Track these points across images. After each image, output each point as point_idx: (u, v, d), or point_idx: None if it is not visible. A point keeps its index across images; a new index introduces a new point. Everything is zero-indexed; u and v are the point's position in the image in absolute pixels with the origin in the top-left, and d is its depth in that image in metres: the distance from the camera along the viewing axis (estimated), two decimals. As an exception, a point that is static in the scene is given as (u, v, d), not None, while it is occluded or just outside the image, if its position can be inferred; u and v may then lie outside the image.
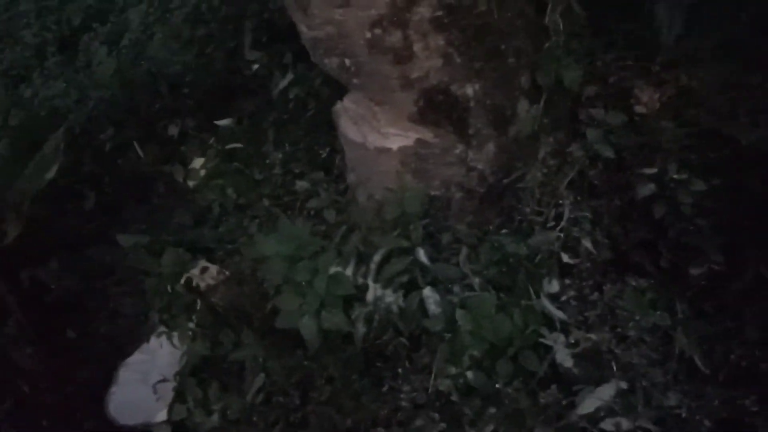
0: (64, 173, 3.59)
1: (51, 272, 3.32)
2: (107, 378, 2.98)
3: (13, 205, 2.13)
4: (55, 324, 3.16)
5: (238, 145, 3.28)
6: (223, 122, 3.39)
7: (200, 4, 3.96)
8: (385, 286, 2.37)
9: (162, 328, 2.80)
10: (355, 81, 2.57)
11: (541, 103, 2.54)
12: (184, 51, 3.83)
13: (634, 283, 2.23)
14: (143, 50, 4.09)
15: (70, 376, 2.97)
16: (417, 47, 2.39)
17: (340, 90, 2.88)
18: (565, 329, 2.21)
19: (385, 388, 2.42)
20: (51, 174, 2.16)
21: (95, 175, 3.67)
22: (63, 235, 3.49)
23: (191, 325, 2.67)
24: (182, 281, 2.87)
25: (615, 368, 2.14)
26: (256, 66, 3.48)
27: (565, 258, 2.38)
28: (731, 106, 2.42)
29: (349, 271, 2.35)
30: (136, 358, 3.01)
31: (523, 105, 2.56)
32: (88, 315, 3.25)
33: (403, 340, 2.38)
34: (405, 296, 2.37)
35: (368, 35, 2.36)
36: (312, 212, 2.83)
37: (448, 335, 2.24)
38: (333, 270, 2.28)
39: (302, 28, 2.53)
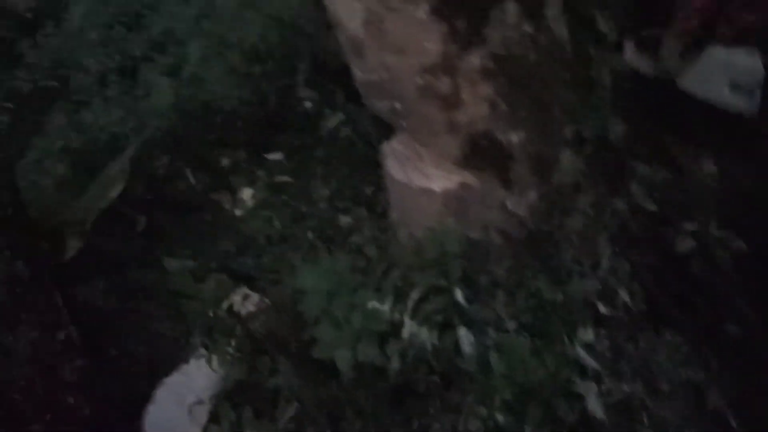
0: (117, 197, 3.78)
1: (98, 291, 3.47)
2: (145, 396, 3.08)
3: (77, 221, 2.27)
4: (98, 341, 3.28)
5: (286, 178, 3.41)
6: (273, 156, 3.54)
7: (258, 43, 4.15)
8: (421, 324, 2.44)
9: (201, 351, 2.90)
10: (403, 123, 2.68)
11: (585, 154, 2.61)
12: (239, 86, 4.00)
13: (669, 337, 2.25)
14: (201, 83, 4.29)
15: (110, 392, 3.07)
16: (465, 94, 2.50)
17: (387, 131, 3.00)
18: (597, 378, 2.24)
19: (414, 425, 2.47)
20: (115, 193, 2.31)
21: (147, 201, 3.83)
22: (111, 256, 3.64)
23: (230, 349, 2.76)
24: (224, 307, 2.98)
25: (646, 421, 2.15)
26: (308, 104, 3.63)
27: (602, 308, 2.41)
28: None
29: (386, 307, 2.43)
30: (174, 378, 3.11)
31: (566, 155, 2.64)
32: (130, 335, 3.36)
33: (436, 378, 2.44)
34: (440, 335, 2.43)
35: (419, 81, 2.48)
36: (354, 247, 2.93)
37: (480, 376, 2.29)
38: (371, 305, 2.36)
39: (356, 72, 2.66)
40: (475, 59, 2.44)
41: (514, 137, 2.60)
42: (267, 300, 3.05)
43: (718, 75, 2.21)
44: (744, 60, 2.19)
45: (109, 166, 2.35)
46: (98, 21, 6.38)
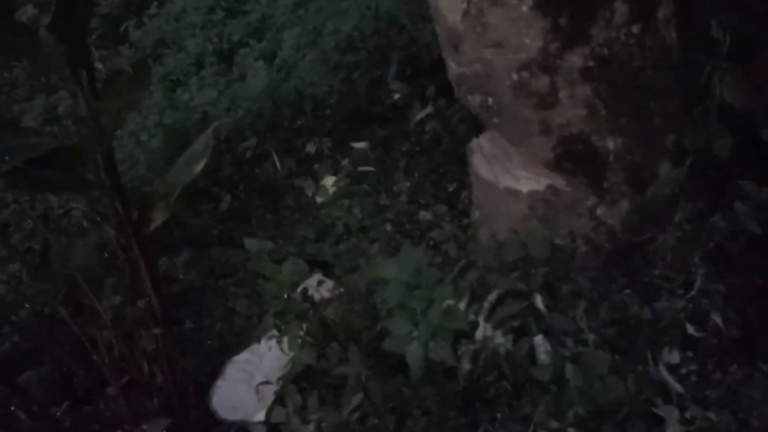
0: (203, 175, 3.86)
1: (180, 265, 3.56)
2: (215, 371, 3.14)
3: (163, 194, 2.33)
4: (176, 313, 3.36)
5: (370, 168, 3.40)
6: (358, 145, 3.54)
7: (353, 32, 4.16)
8: (496, 327, 2.36)
9: (273, 332, 2.92)
10: (495, 120, 2.61)
11: (685, 167, 2.47)
12: (331, 75, 4.03)
13: (765, 369, 2.10)
14: (294, 70, 4.34)
15: (183, 364, 3.14)
16: (562, 95, 2.41)
17: (476, 129, 2.94)
18: (680, 404, 2.12)
19: (480, 430, 2.40)
20: (199, 167, 2.34)
21: (232, 181, 3.91)
22: (195, 233, 3.73)
23: (301, 333, 2.76)
24: (299, 291, 2.99)
25: (730, 455, 2.02)
26: (397, 96, 3.61)
27: (691, 330, 2.28)
28: None
29: (461, 307, 2.36)
30: (244, 357, 3.15)
31: (665, 166, 2.51)
32: (206, 310, 3.43)
33: (507, 385, 2.36)
34: (515, 341, 2.35)
35: (515, 77, 2.41)
36: (432, 243, 2.88)
37: (554, 388, 2.20)
38: (447, 303, 2.31)
39: (451, 64, 2.61)
40: (576, 59, 2.34)
41: (611, 143, 2.49)
42: (341, 288, 3.05)
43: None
44: None
45: (196, 141, 2.39)
46: (200, 5, 6.58)
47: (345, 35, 4.16)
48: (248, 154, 3.90)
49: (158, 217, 2.37)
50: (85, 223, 3.52)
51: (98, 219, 2.66)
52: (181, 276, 3.48)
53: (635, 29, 2.34)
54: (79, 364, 2.81)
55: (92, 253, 3.19)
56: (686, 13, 2.48)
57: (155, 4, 6.74)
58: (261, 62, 4.70)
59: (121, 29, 6.51)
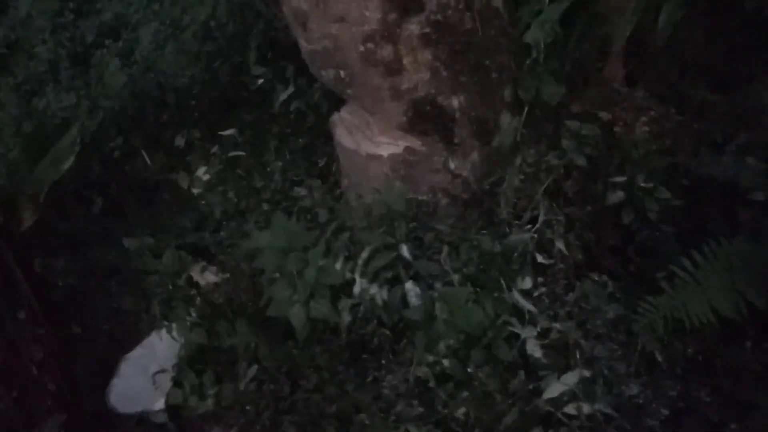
0: (73, 179, 3.95)
1: (57, 270, 3.65)
2: (109, 370, 3.28)
3: (30, 194, 2.44)
4: (61, 318, 3.46)
5: (241, 153, 3.62)
6: (227, 132, 3.74)
7: (209, 20, 4.33)
8: (371, 281, 2.67)
9: (163, 323, 3.10)
10: (349, 92, 2.90)
11: (523, 115, 2.86)
12: (192, 65, 4.19)
13: (597, 278, 2.51)
14: (153, 64, 4.46)
15: (75, 368, 3.26)
16: (406, 61, 2.72)
17: (337, 104, 3.22)
18: (534, 322, 2.50)
19: (369, 378, 2.70)
20: (67, 165, 2.48)
21: (103, 181, 4.01)
22: (70, 236, 3.82)
23: (189, 317, 2.96)
24: (183, 278, 3.18)
25: (579, 358, 2.42)
26: (260, 80, 3.83)
27: (540, 258, 2.67)
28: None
29: (338, 266, 2.65)
30: (137, 352, 3.31)
31: (505, 117, 2.88)
32: (91, 312, 3.55)
33: (386, 331, 2.67)
34: (389, 290, 2.66)
35: (361, 49, 2.70)
36: (307, 214, 3.14)
37: (426, 325, 2.53)
38: (322, 262, 2.58)
39: (302, 42, 2.87)
40: (414, 27, 2.66)
41: (456, 101, 2.83)
42: (225, 271, 3.26)
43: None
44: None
45: (62, 139, 2.53)
46: (46, 8, 6.47)
47: (201, 24, 4.32)
48: (116, 153, 4.01)
49: (28, 218, 2.50)
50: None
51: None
52: (60, 282, 3.57)
53: (463, -5, 2.68)
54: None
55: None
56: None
57: (-4, 11, 6.56)
58: (118, 61, 4.76)
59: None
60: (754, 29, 3.06)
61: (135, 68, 4.49)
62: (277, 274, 2.62)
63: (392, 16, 2.62)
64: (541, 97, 2.84)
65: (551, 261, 2.65)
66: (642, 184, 2.65)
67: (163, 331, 3.15)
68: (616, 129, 2.86)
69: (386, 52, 2.70)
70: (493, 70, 2.85)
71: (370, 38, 2.67)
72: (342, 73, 2.83)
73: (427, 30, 2.67)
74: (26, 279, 2.75)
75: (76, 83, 5.27)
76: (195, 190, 3.89)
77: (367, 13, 2.62)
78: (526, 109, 2.85)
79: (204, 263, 3.37)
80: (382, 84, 2.78)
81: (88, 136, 4.09)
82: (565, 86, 2.84)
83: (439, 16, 2.67)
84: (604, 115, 2.89)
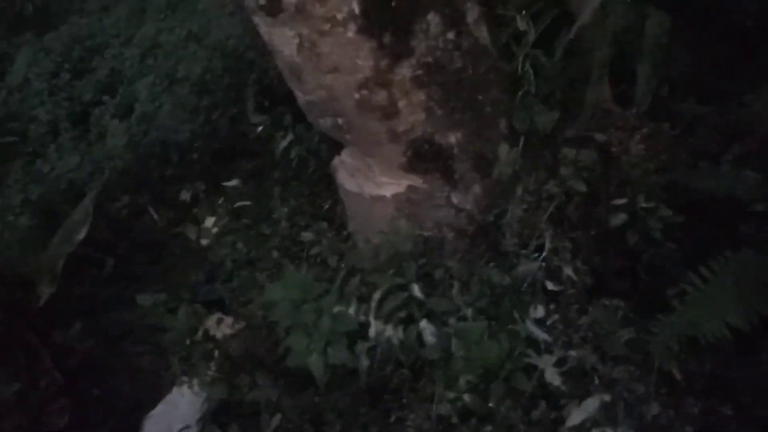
0: (82, 242, 4.04)
1: (74, 335, 3.72)
2: (133, 431, 3.34)
3: (46, 268, 2.53)
4: (80, 384, 3.53)
5: (246, 203, 3.71)
6: (230, 183, 3.83)
7: (204, 74, 4.45)
8: (385, 322, 2.74)
9: (183, 379, 3.16)
10: (347, 137, 2.99)
11: (519, 146, 2.94)
12: (191, 119, 4.30)
13: (606, 303, 2.57)
14: (153, 120, 4.57)
15: (99, 431, 3.32)
16: (401, 104, 2.81)
17: (337, 146, 3.31)
18: (550, 350, 2.55)
19: (392, 419, 2.76)
20: (80, 237, 2.57)
21: (112, 242, 4.09)
22: (84, 300, 3.90)
23: (209, 372, 3.02)
24: (199, 333, 3.25)
25: (598, 382, 2.47)
26: (259, 129, 3.93)
27: (549, 286, 2.73)
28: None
29: (351, 311, 2.72)
30: (159, 410, 3.36)
31: (503, 149, 2.97)
32: (110, 373, 3.62)
33: (405, 371, 2.73)
34: (404, 330, 2.73)
35: (356, 96, 2.79)
36: (317, 259, 3.22)
37: (443, 363, 2.59)
38: (336, 309, 2.65)
39: (298, 94, 2.97)
40: (405, 70, 2.75)
41: (453, 138, 2.92)
42: (240, 321, 3.33)
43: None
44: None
45: (74, 211, 2.62)
46: (42, 70, 6.62)
47: (197, 78, 4.43)
48: (123, 212, 4.11)
49: (45, 292, 2.58)
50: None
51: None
52: (78, 346, 3.63)
53: (450, 35, 2.78)
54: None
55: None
56: (493, 12, 2.95)
57: (-8, 78, 6.71)
58: (117, 119, 4.88)
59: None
60: (738, 40, 3.15)
61: (135, 126, 4.60)
62: (292, 326, 2.68)
63: (384, 63, 2.72)
64: (536, 126, 2.93)
65: (561, 288, 2.72)
66: (643, 205, 2.72)
67: (184, 387, 3.21)
68: (612, 149, 2.93)
69: (381, 97, 2.79)
70: (487, 104, 2.94)
71: (364, 85, 2.77)
72: (339, 120, 2.92)
73: (419, 72, 2.76)
74: (46, 349, 2.81)
75: (77, 144, 5.38)
76: (203, 241, 3.98)
77: (360, 62, 2.71)
78: (522, 139, 2.93)
79: (219, 315, 3.44)
80: (379, 128, 2.87)
81: (94, 197, 4.19)
82: (558, 112, 2.93)
83: (429, 58, 2.76)
84: (599, 137, 2.96)
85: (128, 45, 6.33)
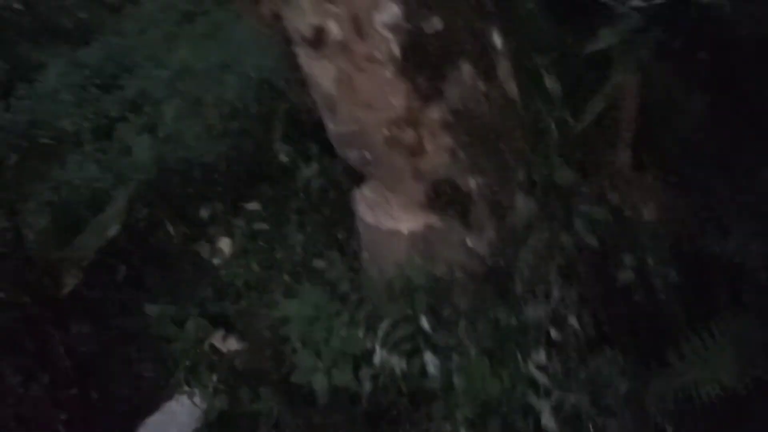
0: (97, 249, 4.15)
1: (80, 337, 3.80)
2: (127, 438, 3.39)
3: (76, 259, 2.63)
4: (80, 385, 3.59)
5: (263, 226, 3.83)
6: (250, 205, 3.96)
7: (235, 100, 4.63)
8: (390, 351, 2.83)
9: (185, 388, 3.23)
10: (372, 171, 3.14)
11: (536, 196, 3.08)
12: (217, 142, 4.45)
13: (607, 354, 2.67)
14: (179, 140, 4.73)
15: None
16: (427, 144, 2.96)
17: (358, 181, 3.45)
18: (549, 394, 2.64)
19: (388, 447, 2.83)
20: (113, 232, 2.68)
21: (127, 251, 4.19)
22: (94, 303, 3.98)
23: (213, 382, 3.10)
24: (206, 345, 3.34)
25: (593, 430, 2.55)
26: (284, 158, 4.08)
27: (553, 333, 2.83)
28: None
29: (360, 335, 2.82)
30: (156, 418, 3.43)
31: (520, 198, 3.11)
32: (111, 378, 3.68)
33: (405, 400, 2.82)
34: (408, 360, 2.82)
35: (386, 132, 2.94)
36: (328, 287, 3.31)
37: (444, 395, 2.67)
38: (346, 332, 2.75)
39: (329, 125, 3.12)
40: (435, 113, 2.91)
41: (473, 182, 3.06)
42: (246, 339, 3.42)
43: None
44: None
45: (110, 204, 2.74)
46: (72, 83, 6.81)
47: (228, 104, 4.61)
48: (141, 224, 4.22)
49: (70, 282, 2.68)
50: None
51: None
52: (83, 348, 3.71)
53: (481, 85, 2.95)
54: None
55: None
56: (521, 70, 3.13)
57: (24, 85, 6.90)
58: (145, 135, 5.03)
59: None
60: (760, 117, 3.31)
61: (160, 144, 4.75)
62: (301, 343, 2.78)
63: (416, 104, 2.88)
64: (553, 180, 3.07)
65: (565, 336, 2.82)
66: (651, 265, 2.84)
67: (184, 398, 3.28)
68: (625, 212, 3.07)
69: (409, 136, 2.94)
70: (509, 153, 3.09)
71: (395, 123, 2.92)
72: (366, 153, 3.07)
73: (449, 117, 2.92)
74: (60, 342, 2.90)
75: (99, 156, 5.52)
76: (215, 261, 4.08)
77: (393, 101, 2.87)
78: (539, 190, 3.07)
79: (224, 332, 3.52)
80: (404, 165, 3.01)
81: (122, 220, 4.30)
82: (576, 170, 3.08)
83: (459, 105, 2.92)
84: (614, 198, 3.11)
85: (160, 67, 6.53)
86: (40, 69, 7.17)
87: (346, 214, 3.58)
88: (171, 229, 4.17)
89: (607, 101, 3.05)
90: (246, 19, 5.68)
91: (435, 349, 2.80)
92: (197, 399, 3.17)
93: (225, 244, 4.03)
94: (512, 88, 3.07)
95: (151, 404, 3.48)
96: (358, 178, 3.43)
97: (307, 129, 4.08)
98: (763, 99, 3.27)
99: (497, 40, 2.94)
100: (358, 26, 2.75)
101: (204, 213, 4.14)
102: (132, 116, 5.96)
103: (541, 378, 2.66)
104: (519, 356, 2.69)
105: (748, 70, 3.22)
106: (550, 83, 3.19)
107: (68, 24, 7.40)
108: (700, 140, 3.32)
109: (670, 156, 3.30)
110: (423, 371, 2.76)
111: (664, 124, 3.13)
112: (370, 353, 2.83)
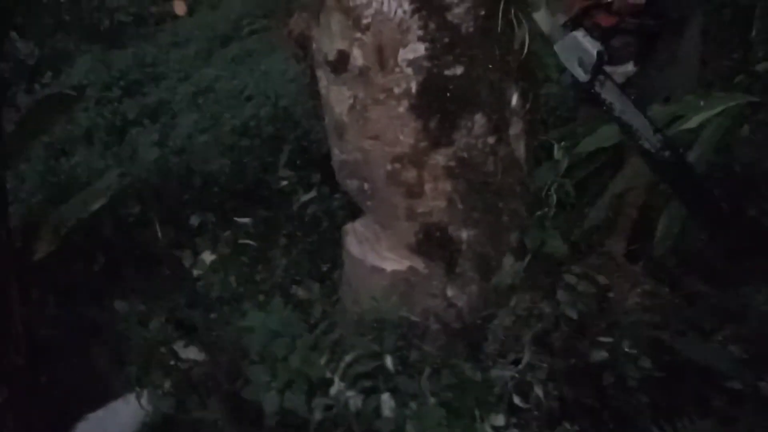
0: (82, 233, 4.13)
1: (45, 319, 3.75)
2: (64, 428, 3.30)
3: (53, 226, 2.61)
4: (32, 366, 3.51)
5: (251, 242, 3.82)
6: (242, 219, 3.97)
7: (249, 120, 4.69)
8: (349, 386, 2.76)
9: (136, 389, 3.16)
10: (368, 204, 3.14)
11: (525, 261, 3.07)
12: (224, 156, 4.50)
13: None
14: (187, 147, 4.78)
15: (33, 419, 3.29)
16: (427, 187, 2.97)
17: (352, 216, 3.46)
18: (500, 459, 2.57)
19: (325, 481, 2.73)
20: (96, 206, 2.66)
21: (110, 243, 4.18)
22: (65, 288, 3.94)
23: (164, 387, 3.03)
24: (165, 349, 3.28)
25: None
26: (284, 182, 4.10)
27: (516, 400, 2.77)
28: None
29: (322, 362, 2.76)
30: (99, 414, 3.33)
31: (508, 259, 3.09)
32: (64, 366, 3.61)
33: (353, 438, 2.74)
34: (365, 399, 2.75)
35: (389, 167, 2.96)
36: (300, 308, 3.28)
37: (394, 440, 2.60)
38: (307, 353, 2.70)
39: (335, 150, 3.15)
40: (441, 157, 2.93)
41: (465, 234, 3.05)
42: (208, 351, 3.36)
43: (574, 52, 2.89)
44: (588, 45, 2.86)
45: (98, 181, 2.74)
46: (97, 80, 6.95)
47: (242, 121, 4.67)
48: (130, 219, 4.22)
49: (43, 249, 2.65)
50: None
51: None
52: (44, 330, 3.65)
53: (490, 140, 2.98)
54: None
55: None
56: (532, 134, 3.17)
57: (49, 74, 7.04)
58: (156, 142, 5.09)
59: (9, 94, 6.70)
60: (753, 235, 3.32)
61: (168, 148, 4.80)
62: (260, 357, 2.72)
63: (423, 144, 2.90)
64: (544, 249, 3.06)
65: (527, 405, 2.75)
66: (626, 350, 2.80)
67: (132, 397, 3.20)
68: (611, 294, 3.05)
69: (411, 175, 2.95)
70: (505, 213, 3.09)
71: (399, 159, 2.94)
72: (366, 185, 3.08)
73: (452, 163, 2.94)
74: (21, 308, 2.84)
75: (106, 153, 5.58)
76: (195, 271, 4.05)
77: (401, 137, 2.90)
78: (528, 256, 3.06)
79: (188, 340, 3.47)
80: (400, 203, 3.02)
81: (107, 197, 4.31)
82: (569, 247, 3.07)
83: (465, 154, 2.94)
84: (602, 279, 3.09)
85: (184, 82, 6.66)
86: (70, 61, 7.32)
87: (335, 247, 3.57)
88: (159, 230, 4.16)
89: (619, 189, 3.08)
90: (279, 51, 5.82)
91: (394, 392, 2.74)
92: (144, 401, 3.09)
93: (207, 256, 4.01)
94: (520, 149, 3.10)
95: (97, 400, 3.39)
96: (352, 213, 3.44)
97: (313, 158, 4.12)
98: (762, 220, 3.29)
99: (514, 99, 2.98)
100: (382, 58, 2.80)
101: (195, 221, 4.14)
102: (148, 122, 6.05)
103: (495, 441, 2.59)
104: (477, 414, 2.62)
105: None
106: (559, 155, 3.22)
107: (106, 24, 7.59)
108: (694, 248, 3.32)
109: (663, 257, 3.29)
110: (377, 412, 2.69)
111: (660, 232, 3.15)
112: (328, 383, 2.76)
